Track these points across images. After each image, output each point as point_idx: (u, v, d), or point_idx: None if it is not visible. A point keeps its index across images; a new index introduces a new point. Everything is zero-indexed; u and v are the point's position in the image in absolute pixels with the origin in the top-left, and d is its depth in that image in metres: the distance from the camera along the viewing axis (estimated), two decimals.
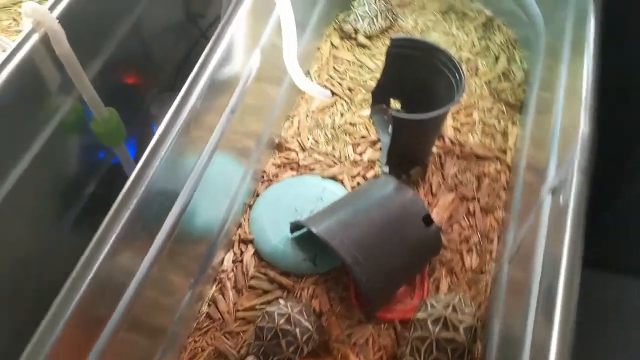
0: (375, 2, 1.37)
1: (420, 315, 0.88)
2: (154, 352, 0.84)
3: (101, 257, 0.60)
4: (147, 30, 1.11)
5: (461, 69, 1.04)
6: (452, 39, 1.39)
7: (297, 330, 0.87)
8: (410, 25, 1.42)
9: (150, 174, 0.66)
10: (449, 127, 1.22)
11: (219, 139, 0.85)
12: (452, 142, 1.19)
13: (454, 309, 0.85)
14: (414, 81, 1.15)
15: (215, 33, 0.83)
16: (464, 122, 1.23)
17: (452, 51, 1.36)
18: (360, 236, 0.92)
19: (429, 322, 0.86)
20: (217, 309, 0.99)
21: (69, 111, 0.90)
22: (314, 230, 0.93)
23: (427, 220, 0.96)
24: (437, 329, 0.85)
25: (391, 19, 1.39)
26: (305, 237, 1.03)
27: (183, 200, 0.78)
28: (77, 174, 0.95)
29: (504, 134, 1.21)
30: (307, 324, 0.88)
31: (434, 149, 1.18)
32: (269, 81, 1.09)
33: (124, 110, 0.96)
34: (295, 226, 1.02)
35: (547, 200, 0.75)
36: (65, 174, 0.94)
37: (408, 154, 1.13)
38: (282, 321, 0.87)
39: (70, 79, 0.83)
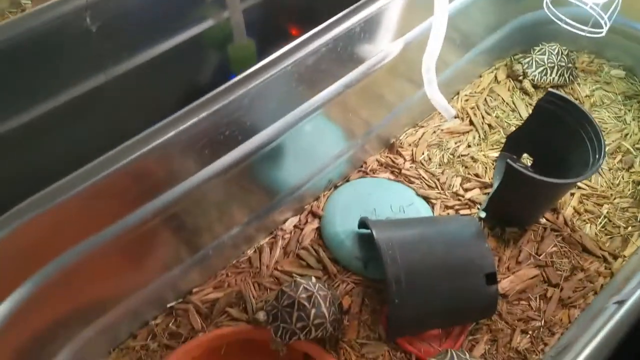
0: (558, 55, 1.28)
1: (435, 359, 0.83)
2: (178, 263, 0.89)
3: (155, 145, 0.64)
4: None
5: (604, 151, 0.94)
6: (621, 125, 1.26)
7: (313, 311, 0.86)
8: (584, 94, 1.31)
9: (240, 92, 0.68)
10: (569, 206, 1.11)
11: (323, 103, 0.86)
12: (565, 222, 1.09)
13: None
14: (553, 143, 1.06)
15: None
16: (590, 209, 1.11)
17: (615, 137, 1.23)
18: (414, 261, 0.88)
19: None
20: (260, 258, 1.01)
21: (217, 26, 0.96)
22: (375, 234, 0.91)
23: (491, 278, 0.89)
24: None
25: (567, 78, 1.30)
26: (367, 238, 1.01)
27: (265, 137, 0.80)
28: (202, 80, 1.02)
29: (625, 240, 1.07)
30: (324, 310, 0.87)
31: (542, 220, 1.09)
32: (402, 79, 1.07)
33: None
34: (363, 223, 1.00)
35: (609, 309, 0.66)
36: (192, 75, 1.00)
37: (511, 211, 1.05)
38: (303, 295, 0.87)
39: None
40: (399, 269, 0.87)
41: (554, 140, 1.07)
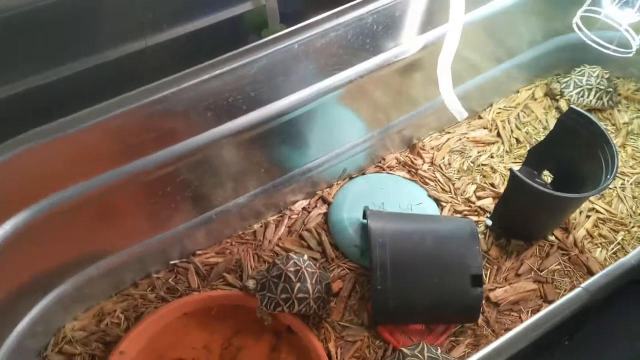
0: (598, 78, 1.26)
1: (407, 350, 0.85)
2: (184, 220, 0.95)
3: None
4: None
5: (614, 173, 0.93)
6: None
7: (297, 285, 0.90)
8: (623, 120, 1.28)
9: (249, 59, 0.74)
10: (582, 228, 1.09)
11: (339, 85, 0.90)
12: (575, 242, 1.07)
13: None
14: (572, 160, 1.06)
15: None
16: (604, 234, 1.09)
17: None
18: (403, 252, 0.91)
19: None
20: (264, 233, 1.06)
21: (255, 10, 1.03)
22: (369, 221, 0.94)
23: (476, 281, 0.90)
24: None
25: (605, 102, 1.27)
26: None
27: (279, 107, 0.86)
28: None
29: None
30: (309, 286, 0.91)
31: (551, 237, 1.07)
32: (427, 80, 1.08)
33: None
34: (364, 213, 1.03)
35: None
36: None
37: (516, 222, 1.05)
38: (291, 269, 0.91)
39: None
40: (385, 256, 0.90)
41: (574, 157, 1.06)
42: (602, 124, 0.99)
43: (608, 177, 0.95)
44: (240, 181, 0.99)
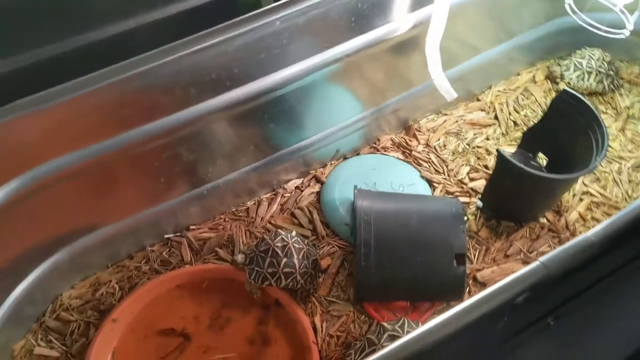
0: (599, 61, 1.25)
1: (388, 325, 0.87)
2: (178, 194, 0.98)
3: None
4: None
5: (602, 154, 0.93)
6: None
7: (284, 260, 0.92)
8: (624, 104, 1.27)
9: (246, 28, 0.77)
10: (575, 211, 1.09)
11: (326, 64, 0.91)
12: (567, 225, 1.07)
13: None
14: (566, 143, 1.05)
15: None
16: (597, 217, 1.09)
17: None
18: (388, 229, 0.92)
19: (386, 334, 0.85)
20: (257, 210, 1.09)
21: None
22: (356, 200, 0.96)
23: (459, 259, 0.91)
24: (383, 341, 0.83)
25: (607, 85, 1.26)
26: None
27: (268, 83, 0.88)
28: None
29: None
30: (295, 261, 0.93)
31: (543, 220, 1.08)
32: (418, 61, 1.08)
33: None
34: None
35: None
36: None
37: (506, 203, 1.06)
38: (279, 244, 0.93)
39: None
40: (370, 234, 0.91)
41: (567, 140, 1.06)
42: (593, 106, 0.99)
43: (597, 158, 0.94)
44: (232, 158, 1.01)
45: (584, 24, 1.00)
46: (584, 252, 0.60)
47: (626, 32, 0.96)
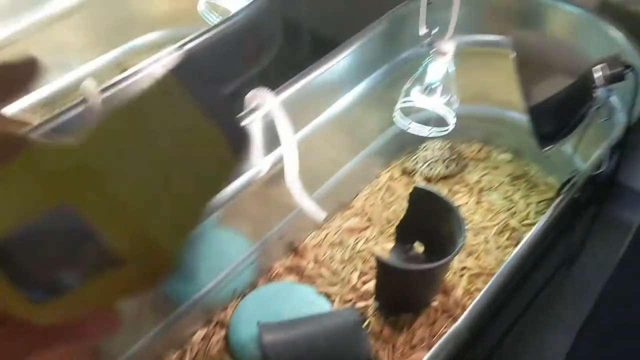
0: (441, 149, 1.42)
1: None
2: None
3: None
4: None
5: (462, 239, 1.05)
6: (509, 204, 1.38)
7: None
8: (474, 180, 1.44)
9: None
10: (460, 287, 1.20)
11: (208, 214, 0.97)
12: (456, 302, 1.17)
13: None
14: (433, 230, 1.17)
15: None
16: (480, 287, 1.20)
17: (503, 216, 1.35)
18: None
19: None
20: None
21: None
22: (262, 338, 0.99)
23: None
24: None
25: (454, 168, 1.43)
26: None
27: None
28: None
29: None
30: None
31: (434, 303, 1.17)
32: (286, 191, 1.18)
33: None
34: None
35: None
36: None
37: (397, 298, 1.14)
38: None
39: None
40: None
41: (433, 227, 1.18)
42: (441, 194, 1.13)
43: (459, 240, 1.06)
44: (132, 328, 1.02)
45: (413, 132, 1.15)
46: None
47: (450, 127, 1.12)
